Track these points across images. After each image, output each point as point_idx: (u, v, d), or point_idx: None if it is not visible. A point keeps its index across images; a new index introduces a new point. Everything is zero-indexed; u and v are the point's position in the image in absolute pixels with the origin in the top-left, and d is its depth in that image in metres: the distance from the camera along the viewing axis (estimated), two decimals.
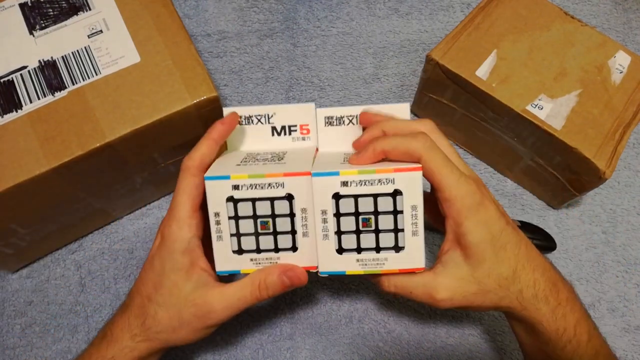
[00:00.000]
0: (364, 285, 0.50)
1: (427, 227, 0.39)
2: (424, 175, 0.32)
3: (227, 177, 0.32)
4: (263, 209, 0.33)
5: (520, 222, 0.51)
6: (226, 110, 0.36)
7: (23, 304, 0.49)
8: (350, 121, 0.36)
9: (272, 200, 0.32)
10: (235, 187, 0.32)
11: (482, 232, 0.32)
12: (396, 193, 0.32)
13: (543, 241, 0.50)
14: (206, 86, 0.41)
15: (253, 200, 0.32)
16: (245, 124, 0.37)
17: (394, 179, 0.31)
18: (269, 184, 0.32)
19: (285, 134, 0.37)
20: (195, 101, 0.40)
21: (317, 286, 0.50)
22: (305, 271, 0.34)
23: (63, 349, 0.47)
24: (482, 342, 0.48)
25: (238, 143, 0.38)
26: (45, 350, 0.47)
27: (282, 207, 0.33)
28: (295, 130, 0.37)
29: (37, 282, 0.49)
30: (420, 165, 0.31)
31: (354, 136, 0.36)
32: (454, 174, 0.32)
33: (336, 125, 0.36)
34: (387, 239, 0.33)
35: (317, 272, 0.34)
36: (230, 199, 0.32)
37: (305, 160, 0.34)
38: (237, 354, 0.47)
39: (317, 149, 0.37)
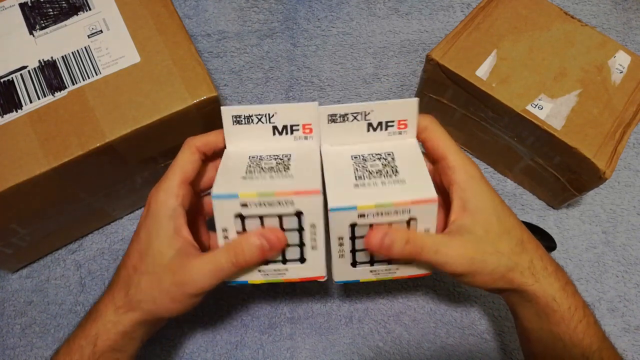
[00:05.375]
0: (364, 286, 0.50)
1: None
2: (427, 148, 0.35)
3: (236, 196, 0.31)
4: (271, 223, 0.32)
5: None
6: (224, 110, 0.35)
7: (23, 304, 0.49)
8: (355, 118, 0.35)
9: (280, 216, 0.32)
10: (244, 205, 0.32)
11: (487, 199, 0.33)
12: (411, 219, 0.32)
13: (543, 241, 0.50)
14: (206, 86, 0.41)
15: (261, 217, 0.32)
16: (245, 123, 0.36)
17: (410, 209, 0.31)
18: (278, 202, 0.31)
19: (287, 133, 0.36)
20: (195, 101, 0.40)
21: (317, 286, 0.50)
22: (284, 236, 0.33)
23: None
24: (482, 342, 0.48)
25: (238, 142, 0.37)
26: (45, 350, 0.47)
27: (290, 222, 0.32)
28: (298, 130, 0.36)
29: (37, 282, 0.49)
30: (436, 197, 0.31)
31: (358, 132, 0.36)
32: (456, 146, 0.35)
33: (340, 122, 0.35)
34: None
35: (333, 280, 0.35)
36: (238, 215, 0.32)
37: (312, 170, 0.33)
38: (237, 354, 0.47)
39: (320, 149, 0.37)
